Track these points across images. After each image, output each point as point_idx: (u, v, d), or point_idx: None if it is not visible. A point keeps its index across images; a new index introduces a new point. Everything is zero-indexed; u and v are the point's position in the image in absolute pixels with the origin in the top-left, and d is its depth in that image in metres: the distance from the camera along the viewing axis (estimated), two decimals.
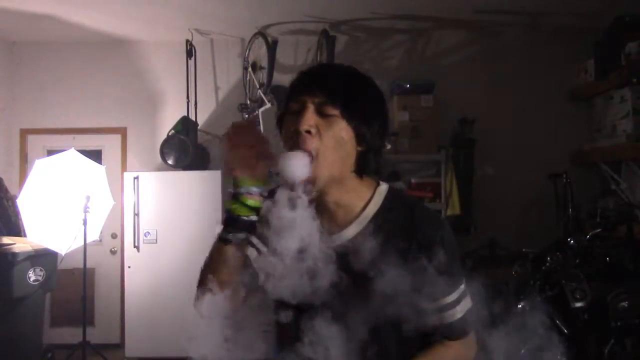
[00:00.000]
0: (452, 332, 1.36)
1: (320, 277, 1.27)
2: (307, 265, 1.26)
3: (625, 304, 2.97)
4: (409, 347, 1.36)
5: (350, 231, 1.36)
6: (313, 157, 1.26)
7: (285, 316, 1.33)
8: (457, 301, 1.34)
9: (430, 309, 1.30)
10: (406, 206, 1.39)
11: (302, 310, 1.31)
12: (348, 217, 1.37)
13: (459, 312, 1.34)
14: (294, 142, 1.27)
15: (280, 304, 1.33)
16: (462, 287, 1.36)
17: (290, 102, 1.33)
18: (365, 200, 1.38)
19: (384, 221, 1.35)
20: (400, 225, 1.35)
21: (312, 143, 1.26)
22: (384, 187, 1.41)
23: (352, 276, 1.30)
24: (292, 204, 1.26)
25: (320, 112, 1.29)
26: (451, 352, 1.37)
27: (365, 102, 1.34)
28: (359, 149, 1.33)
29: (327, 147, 1.27)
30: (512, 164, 5.57)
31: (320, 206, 1.33)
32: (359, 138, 1.32)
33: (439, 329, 1.34)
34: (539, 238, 4.42)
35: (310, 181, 1.26)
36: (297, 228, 1.24)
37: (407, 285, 1.26)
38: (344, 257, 1.31)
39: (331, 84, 1.31)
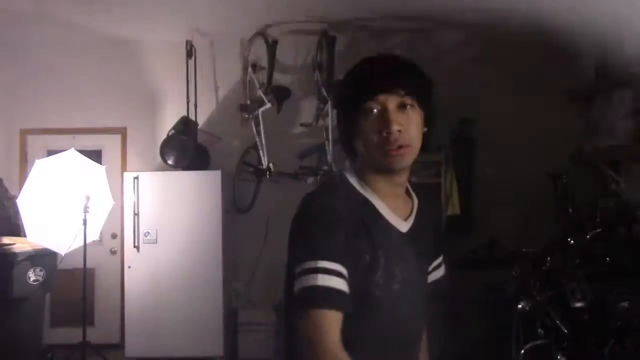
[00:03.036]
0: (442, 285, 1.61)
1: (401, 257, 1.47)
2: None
3: (625, 304, 2.97)
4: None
5: (413, 217, 1.54)
6: (405, 149, 1.40)
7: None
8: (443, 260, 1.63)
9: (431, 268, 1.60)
10: (418, 194, 1.60)
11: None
12: (408, 200, 1.57)
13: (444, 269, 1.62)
14: (385, 140, 1.39)
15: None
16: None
17: (365, 101, 1.40)
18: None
19: (421, 209, 1.58)
20: (427, 212, 1.60)
21: (403, 139, 1.39)
22: None
23: (415, 255, 1.51)
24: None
25: (399, 106, 1.40)
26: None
27: (428, 84, 1.51)
28: (424, 129, 1.48)
29: (414, 138, 1.42)
30: (512, 164, 5.57)
31: (395, 189, 1.51)
32: (426, 119, 1.48)
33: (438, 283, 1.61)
34: (538, 238, 4.42)
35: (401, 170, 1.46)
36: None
37: (434, 256, 1.60)
38: (411, 239, 1.50)
39: (404, 78, 1.43)
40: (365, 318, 1.39)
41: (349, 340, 1.30)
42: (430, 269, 1.61)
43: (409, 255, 1.48)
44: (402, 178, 1.48)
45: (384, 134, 1.38)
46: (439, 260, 1.64)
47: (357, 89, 1.43)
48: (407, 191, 1.56)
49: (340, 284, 1.31)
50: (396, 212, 1.49)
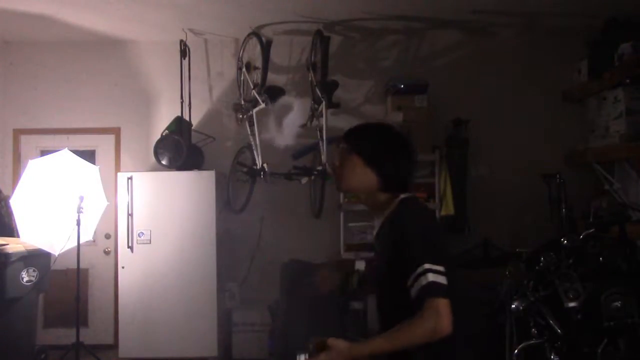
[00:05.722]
0: (415, 303, 1.76)
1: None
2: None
3: (618, 303, 2.98)
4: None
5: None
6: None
7: None
8: (415, 278, 1.77)
9: (408, 285, 1.79)
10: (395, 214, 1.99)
11: None
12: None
13: (416, 287, 1.76)
14: None
15: None
16: (421, 269, 1.76)
17: None
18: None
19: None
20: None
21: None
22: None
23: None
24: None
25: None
26: (414, 321, 1.75)
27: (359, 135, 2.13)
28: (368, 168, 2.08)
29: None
30: (505, 164, 5.59)
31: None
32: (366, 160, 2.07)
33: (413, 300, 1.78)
34: (532, 238, 4.44)
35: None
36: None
37: (392, 267, 1.87)
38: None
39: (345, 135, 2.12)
40: None
41: None
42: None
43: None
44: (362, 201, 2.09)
45: None
46: (415, 273, 1.81)
47: None
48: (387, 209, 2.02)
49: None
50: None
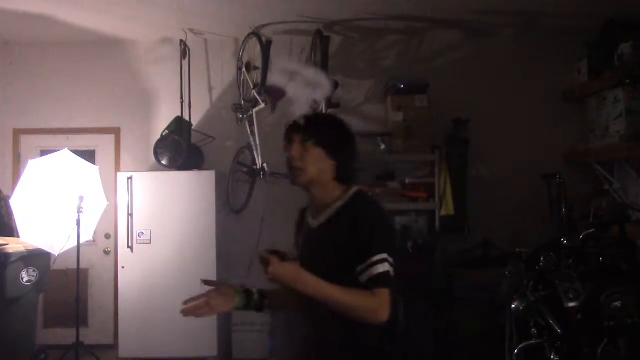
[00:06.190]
0: (365, 288, 1.84)
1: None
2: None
3: (618, 304, 2.97)
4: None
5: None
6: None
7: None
8: (371, 265, 1.84)
9: (359, 269, 1.86)
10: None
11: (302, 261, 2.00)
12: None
13: (368, 273, 1.84)
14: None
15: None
16: (378, 257, 1.84)
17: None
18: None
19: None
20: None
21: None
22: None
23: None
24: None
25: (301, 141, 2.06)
26: (363, 292, 1.84)
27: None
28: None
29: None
30: (505, 164, 5.58)
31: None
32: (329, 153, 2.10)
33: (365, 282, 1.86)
34: (532, 238, 4.43)
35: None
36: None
37: (344, 252, 1.90)
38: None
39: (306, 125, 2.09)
40: None
41: None
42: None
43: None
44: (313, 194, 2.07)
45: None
46: (369, 262, 1.88)
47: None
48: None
49: None
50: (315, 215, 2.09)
